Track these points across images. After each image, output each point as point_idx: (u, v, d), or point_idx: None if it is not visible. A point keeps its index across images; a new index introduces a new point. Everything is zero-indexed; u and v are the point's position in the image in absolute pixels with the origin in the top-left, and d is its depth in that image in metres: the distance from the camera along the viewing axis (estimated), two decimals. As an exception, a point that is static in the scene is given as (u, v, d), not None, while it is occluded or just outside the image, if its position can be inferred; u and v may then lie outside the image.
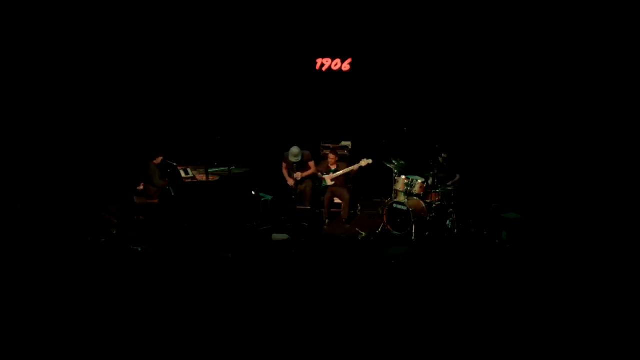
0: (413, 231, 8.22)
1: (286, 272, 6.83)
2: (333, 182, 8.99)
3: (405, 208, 8.31)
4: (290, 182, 8.92)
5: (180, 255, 7.21)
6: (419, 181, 8.53)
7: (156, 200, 8.44)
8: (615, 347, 5.06)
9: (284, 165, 9.00)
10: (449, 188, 8.65)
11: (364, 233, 8.56)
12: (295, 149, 8.68)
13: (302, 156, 8.73)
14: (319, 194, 8.97)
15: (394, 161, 8.96)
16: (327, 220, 8.97)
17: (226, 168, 8.68)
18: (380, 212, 8.91)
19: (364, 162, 8.84)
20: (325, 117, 10.40)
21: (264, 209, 8.91)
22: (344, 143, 9.92)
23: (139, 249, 7.33)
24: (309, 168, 8.91)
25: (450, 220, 8.46)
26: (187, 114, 10.39)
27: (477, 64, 9.88)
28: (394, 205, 8.47)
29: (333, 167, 9.07)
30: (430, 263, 7.26)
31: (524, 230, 7.99)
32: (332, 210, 9.24)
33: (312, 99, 10.47)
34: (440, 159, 8.84)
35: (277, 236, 8.05)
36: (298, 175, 8.83)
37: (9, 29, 9.26)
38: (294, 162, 8.72)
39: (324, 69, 10.32)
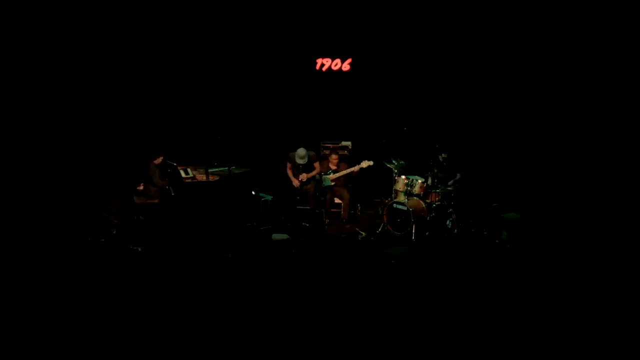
0: (413, 231, 8.22)
1: (286, 272, 6.83)
2: (333, 183, 8.99)
3: (405, 208, 8.31)
4: (295, 182, 8.93)
5: (180, 255, 7.21)
6: (419, 181, 8.53)
7: (156, 200, 8.44)
8: (615, 347, 5.06)
9: (289, 165, 9.00)
10: (449, 188, 8.65)
11: (364, 233, 8.55)
12: (301, 151, 8.68)
13: (309, 158, 8.73)
14: (319, 193, 8.97)
15: (394, 161, 8.96)
16: (327, 220, 8.97)
17: (226, 168, 8.68)
18: (380, 212, 8.91)
19: (364, 164, 8.83)
20: (325, 117, 10.39)
21: (264, 209, 8.91)
22: (344, 143, 9.92)
23: (139, 249, 7.33)
24: (314, 169, 8.92)
25: (450, 220, 8.46)
26: (187, 114, 10.39)
27: (476, 64, 9.88)
28: (394, 205, 8.47)
29: (334, 168, 9.07)
30: (430, 263, 7.26)
31: (524, 230, 7.99)
32: (332, 210, 9.24)
33: (312, 99, 10.47)
34: (441, 158, 8.83)
35: (277, 236, 8.06)
36: (303, 176, 8.84)
37: (9, 29, 9.26)
38: (301, 164, 8.72)
39: (324, 69, 10.32)
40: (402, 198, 8.50)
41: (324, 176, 8.99)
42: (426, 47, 9.97)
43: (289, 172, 9.01)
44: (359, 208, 9.71)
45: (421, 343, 5.12)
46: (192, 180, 8.51)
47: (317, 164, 8.95)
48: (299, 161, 8.70)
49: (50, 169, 9.40)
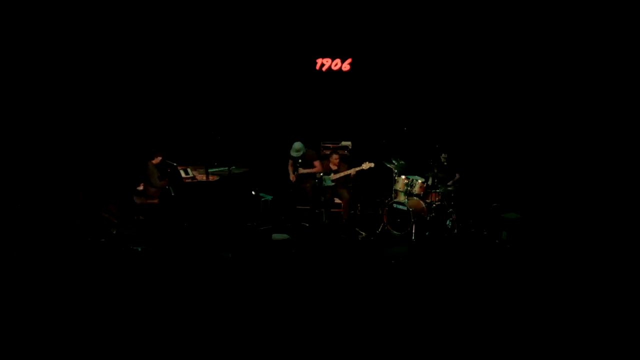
0: (413, 231, 8.22)
1: (286, 272, 6.83)
2: (333, 183, 8.99)
3: (405, 208, 8.31)
4: (292, 177, 9.01)
5: (180, 255, 7.21)
6: (419, 181, 8.53)
7: (156, 200, 8.43)
8: (615, 347, 5.06)
9: (290, 162, 9.08)
10: (449, 188, 8.65)
11: (364, 233, 8.55)
12: (297, 144, 8.78)
13: (304, 153, 8.78)
14: (319, 193, 8.97)
15: (394, 161, 8.96)
16: (327, 221, 8.97)
17: (226, 168, 8.68)
18: (380, 212, 8.91)
19: (365, 166, 8.82)
20: (325, 117, 10.39)
21: (264, 209, 8.91)
22: (344, 143, 9.92)
23: (139, 249, 7.33)
24: (313, 167, 8.95)
25: (450, 220, 8.46)
26: (187, 114, 10.38)
27: (477, 64, 9.87)
28: (394, 205, 8.47)
29: (334, 168, 9.07)
30: (430, 263, 7.26)
31: (524, 230, 7.99)
32: (332, 210, 9.24)
33: (312, 99, 10.47)
34: (442, 159, 8.83)
35: (277, 236, 8.06)
36: (300, 170, 8.88)
37: (9, 29, 9.26)
38: (295, 157, 8.78)
39: (324, 69, 10.32)
40: (402, 198, 8.50)
41: (324, 176, 8.99)
42: (426, 47, 9.97)
43: (290, 168, 9.09)
44: (359, 208, 9.70)
45: (421, 343, 5.12)
46: (192, 180, 8.51)
47: (317, 163, 8.97)
48: (293, 154, 8.79)
49: (50, 169, 9.39)
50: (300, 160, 8.85)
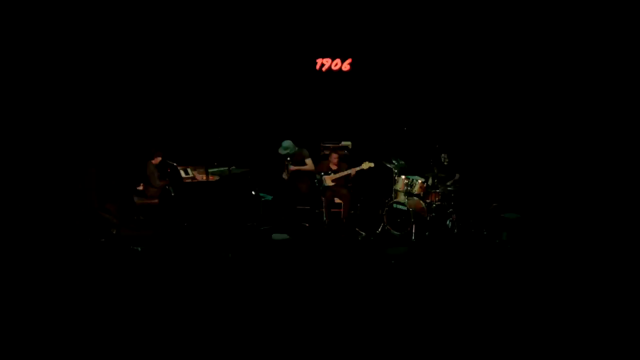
0: (413, 231, 8.22)
1: (286, 272, 6.83)
2: (333, 183, 8.99)
3: (405, 208, 8.31)
4: (285, 176, 9.09)
5: (180, 255, 7.21)
6: (419, 181, 8.54)
7: (156, 201, 8.44)
8: (615, 347, 5.06)
9: (286, 162, 9.09)
10: (449, 188, 8.65)
11: (364, 233, 8.55)
12: (285, 142, 8.88)
13: (293, 151, 8.86)
14: (316, 192, 8.97)
15: (394, 161, 8.96)
16: (327, 220, 8.97)
17: (226, 168, 8.68)
18: (380, 212, 8.91)
19: (365, 165, 8.82)
20: (325, 117, 10.39)
21: (264, 209, 8.91)
22: (344, 143, 9.92)
23: (139, 249, 7.33)
24: (305, 165, 9.00)
25: (450, 220, 8.45)
26: (187, 114, 10.39)
27: (477, 64, 9.87)
28: (394, 205, 8.47)
29: (334, 168, 9.07)
30: (430, 263, 7.26)
31: (524, 230, 7.99)
32: (332, 210, 9.24)
33: (312, 99, 10.47)
34: (442, 158, 8.83)
35: (277, 236, 8.06)
36: (291, 167, 8.92)
37: (9, 29, 9.26)
38: (283, 154, 8.86)
39: (324, 69, 10.32)
40: (402, 198, 8.50)
41: (323, 176, 8.99)
42: (426, 47, 9.97)
43: (286, 168, 9.11)
44: (359, 208, 9.69)
45: (421, 343, 5.12)
46: (192, 180, 8.51)
47: (308, 161, 9.03)
48: (281, 152, 8.88)
49: (50, 169, 9.39)
50: (288, 159, 8.90)
